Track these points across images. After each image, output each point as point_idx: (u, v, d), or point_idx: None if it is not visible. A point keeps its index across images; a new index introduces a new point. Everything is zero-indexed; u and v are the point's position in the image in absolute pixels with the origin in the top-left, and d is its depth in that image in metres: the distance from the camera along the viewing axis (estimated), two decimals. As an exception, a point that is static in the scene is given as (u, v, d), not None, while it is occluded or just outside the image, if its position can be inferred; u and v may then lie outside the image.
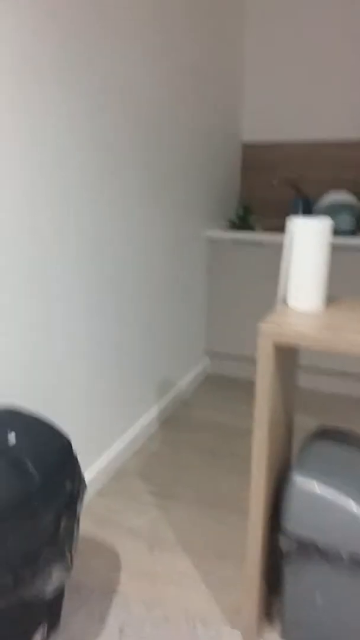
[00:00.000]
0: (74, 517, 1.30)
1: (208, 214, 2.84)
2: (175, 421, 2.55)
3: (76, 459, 1.34)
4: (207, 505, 1.96)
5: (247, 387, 2.88)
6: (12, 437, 1.25)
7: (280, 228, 3.00)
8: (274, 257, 2.73)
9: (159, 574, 1.66)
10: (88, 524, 1.86)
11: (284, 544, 1.28)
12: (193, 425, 2.52)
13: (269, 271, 2.77)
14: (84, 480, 1.35)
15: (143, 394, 2.37)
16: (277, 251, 2.71)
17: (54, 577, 1.23)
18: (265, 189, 3.17)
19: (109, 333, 2.03)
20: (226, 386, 2.91)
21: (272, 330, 1.22)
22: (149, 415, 2.43)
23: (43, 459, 1.25)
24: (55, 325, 1.72)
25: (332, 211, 2.75)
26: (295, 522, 1.28)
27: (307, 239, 1.29)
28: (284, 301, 1.36)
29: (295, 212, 2.94)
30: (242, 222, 3.03)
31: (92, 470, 2.02)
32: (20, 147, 1.48)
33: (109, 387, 2.09)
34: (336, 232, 2.68)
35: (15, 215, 1.49)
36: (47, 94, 1.55)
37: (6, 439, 1.24)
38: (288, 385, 1.43)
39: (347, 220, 2.72)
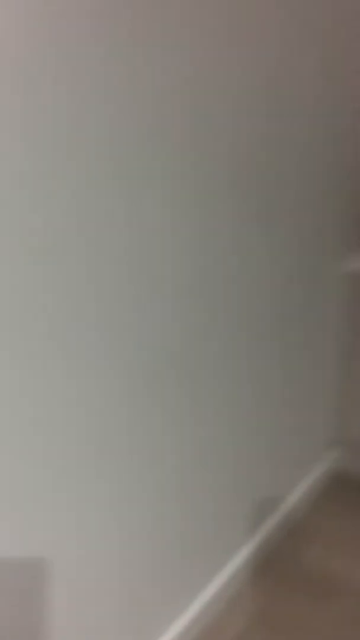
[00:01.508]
0: None
1: (345, 237, 1.85)
2: (279, 570, 1.58)
3: None
4: None
5: None
6: None
7: None
8: None
9: None
10: None
11: None
12: (312, 582, 1.53)
13: None
14: None
15: (227, 526, 1.45)
16: None
17: None
18: None
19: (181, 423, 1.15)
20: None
21: None
22: (234, 563, 1.49)
23: None
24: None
25: None
26: None
27: None
28: None
29: None
30: None
31: None
32: None
33: (166, 521, 1.20)
34: None
35: None
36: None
37: None
38: None
39: None
